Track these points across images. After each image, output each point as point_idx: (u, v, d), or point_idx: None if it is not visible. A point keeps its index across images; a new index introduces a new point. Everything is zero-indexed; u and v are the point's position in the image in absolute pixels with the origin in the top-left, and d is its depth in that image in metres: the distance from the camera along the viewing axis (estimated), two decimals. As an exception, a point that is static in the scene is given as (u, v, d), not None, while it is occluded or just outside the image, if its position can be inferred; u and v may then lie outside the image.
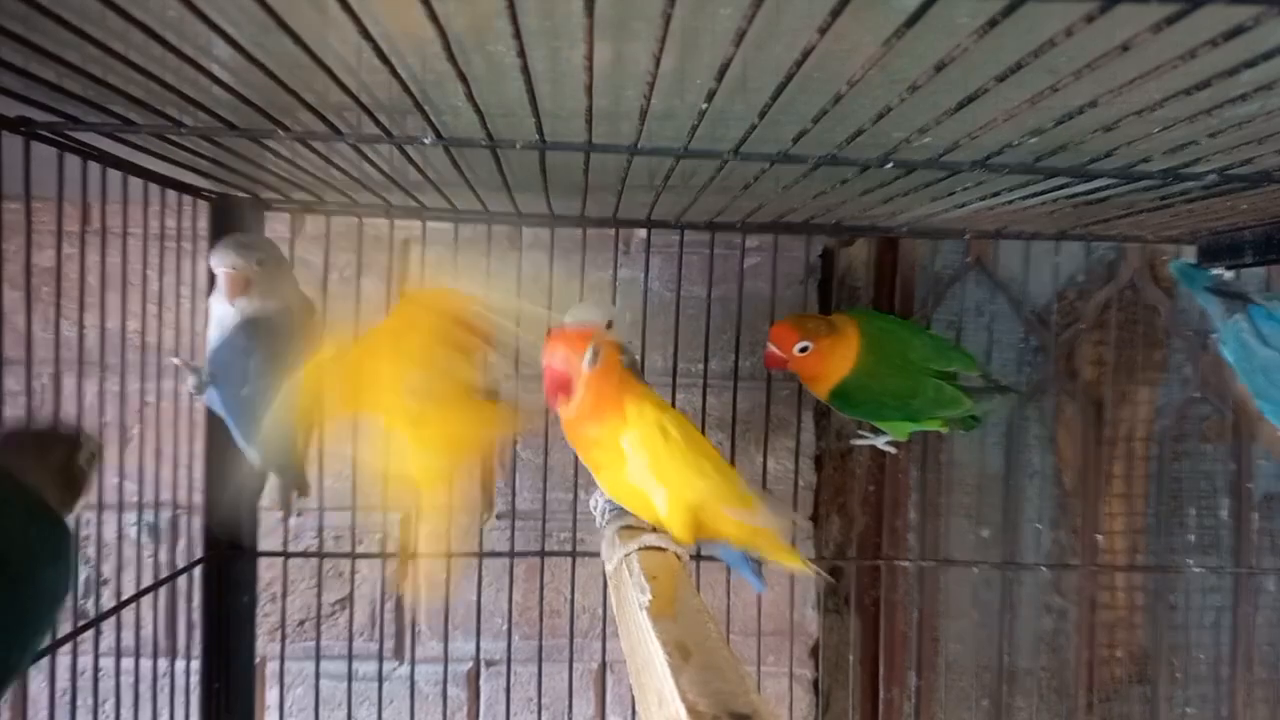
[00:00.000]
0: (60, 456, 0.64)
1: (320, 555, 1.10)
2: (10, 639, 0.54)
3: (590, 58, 0.45)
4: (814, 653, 1.23)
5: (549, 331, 0.77)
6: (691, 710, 0.38)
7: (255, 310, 0.86)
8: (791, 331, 0.93)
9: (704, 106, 0.53)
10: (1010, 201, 0.83)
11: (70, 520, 0.65)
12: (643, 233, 1.12)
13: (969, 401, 0.94)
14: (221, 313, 0.87)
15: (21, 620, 0.55)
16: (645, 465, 0.67)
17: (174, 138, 0.68)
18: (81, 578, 1.11)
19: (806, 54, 0.44)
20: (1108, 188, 0.74)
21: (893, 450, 1.03)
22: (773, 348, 0.95)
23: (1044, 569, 1.21)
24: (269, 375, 0.86)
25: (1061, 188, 0.75)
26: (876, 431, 1.02)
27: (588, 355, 0.68)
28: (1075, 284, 1.25)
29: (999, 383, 0.99)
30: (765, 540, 0.73)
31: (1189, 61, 0.42)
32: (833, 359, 0.94)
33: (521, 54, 0.45)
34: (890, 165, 0.67)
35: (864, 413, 0.99)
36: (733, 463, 1.01)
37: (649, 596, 0.56)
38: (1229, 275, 0.95)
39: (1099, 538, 1.24)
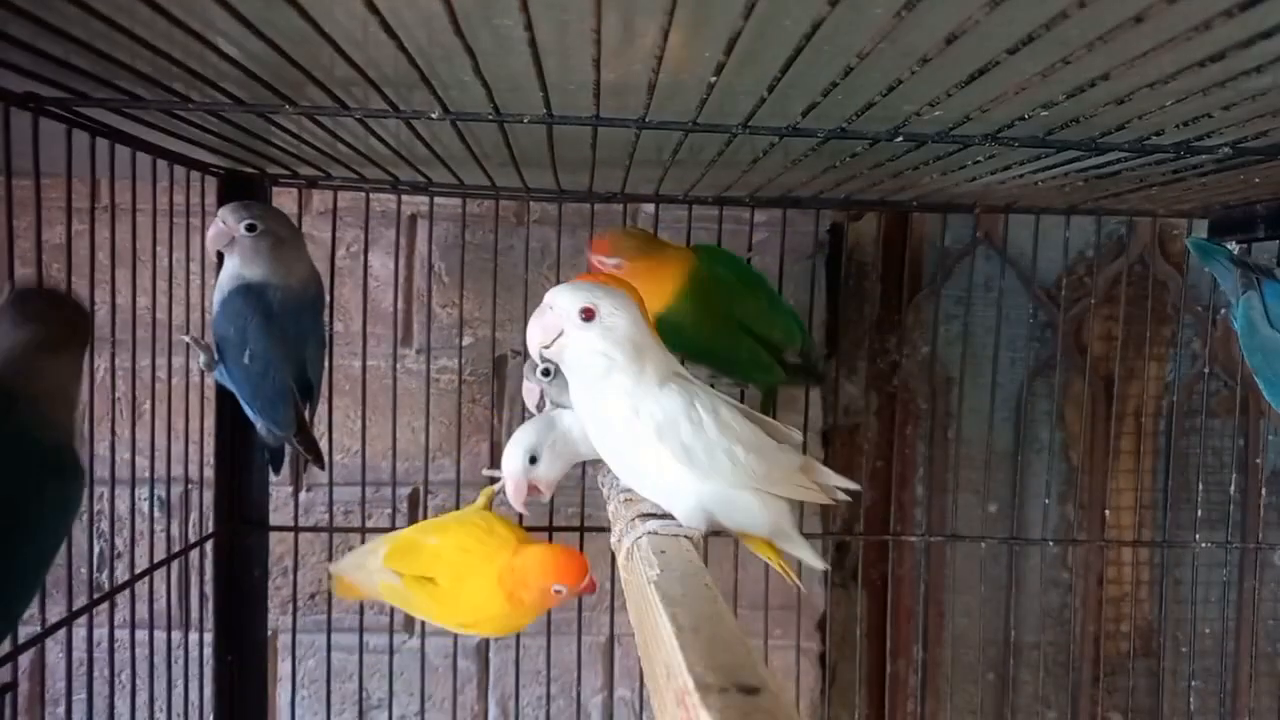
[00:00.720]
0: (75, 352, 0.60)
1: (331, 530, 1.10)
2: (13, 568, 0.54)
3: (598, 30, 0.45)
4: (821, 626, 1.24)
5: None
6: (699, 683, 0.39)
7: (250, 277, 0.87)
8: (604, 243, 0.92)
9: (712, 80, 0.53)
10: (1020, 175, 0.82)
11: (80, 422, 0.62)
12: (650, 208, 1.12)
13: (781, 375, 0.92)
14: (220, 280, 0.88)
15: (25, 550, 0.54)
16: None
17: (181, 113, 0.68)
18: (95, 551, 1.12)
19: (816, 26, 0.43)
20: (1119, 161, 0.74)
21: None
22: (589, 254, 0.93)
23: (1051, 544, 1.22)
24: (270, 344, 0.87)
25: (1072, 161, 0.75)
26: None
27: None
28: (1085, 259, 1.24)
29: (814, 364, 0.95)
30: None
31: (1203, 33, 0.41)
32: (651, 284, 0.89)
33: (529, 27, 0.45)
34: (900, 139, 0.66)
35: (690, 356, 0.95)
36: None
37: (657, 570, 0.57)
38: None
39: (1106, 513, 1.25)
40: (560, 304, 0.64)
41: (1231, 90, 0.52)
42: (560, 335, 0.64)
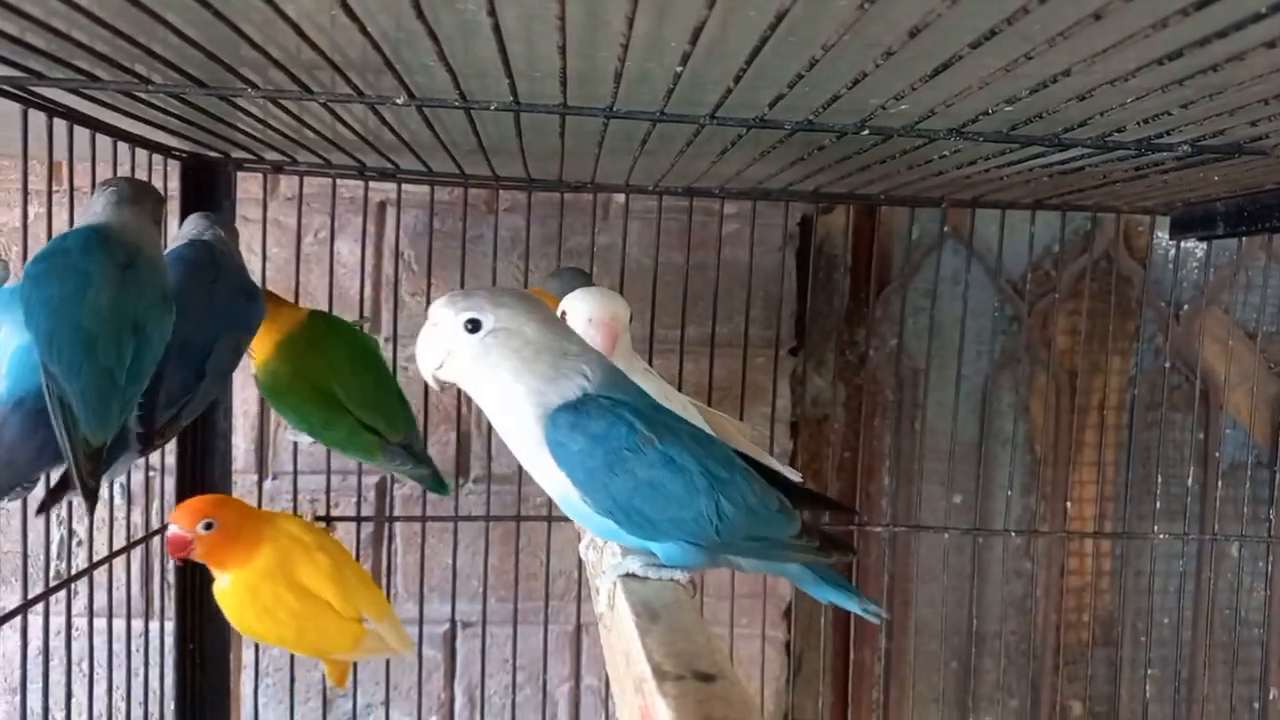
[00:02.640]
0: (158, 213, 0.76)
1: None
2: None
3: (562, 16, 0.45)
4: (786, 615, 1.25)
5: None
6: (657, 670, 0.39)
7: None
8: None
9: (679, 70, 0.53)
10: (986, 170, 0.83)
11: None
12: (621, 198, 1.12)
13: (380, 458, 0.90)
14: None
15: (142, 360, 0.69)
16: None
17: (142, 95, 0.67)
18: (55, 539, 1.10)
19: (780, 17, 0.43)
20: (1082, 157, 0.75)
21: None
22: None
23: (1013, 535, 1.23)
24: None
25: (1037, 156, 0.75)
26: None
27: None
28: (1051, 254, 1.26)
29: (425, 459, 0.93)
30: None
31: (1161, 31, 0.42)
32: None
33: (492, 12, 0.45)
34: (866, 132, 0.66)
35: (285, 415, 0.92)
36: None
37: (621, 559, 0.57)
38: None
39: (1068, 505, 1.26)
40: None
41: (1190, 88, 0.53)
42: None
